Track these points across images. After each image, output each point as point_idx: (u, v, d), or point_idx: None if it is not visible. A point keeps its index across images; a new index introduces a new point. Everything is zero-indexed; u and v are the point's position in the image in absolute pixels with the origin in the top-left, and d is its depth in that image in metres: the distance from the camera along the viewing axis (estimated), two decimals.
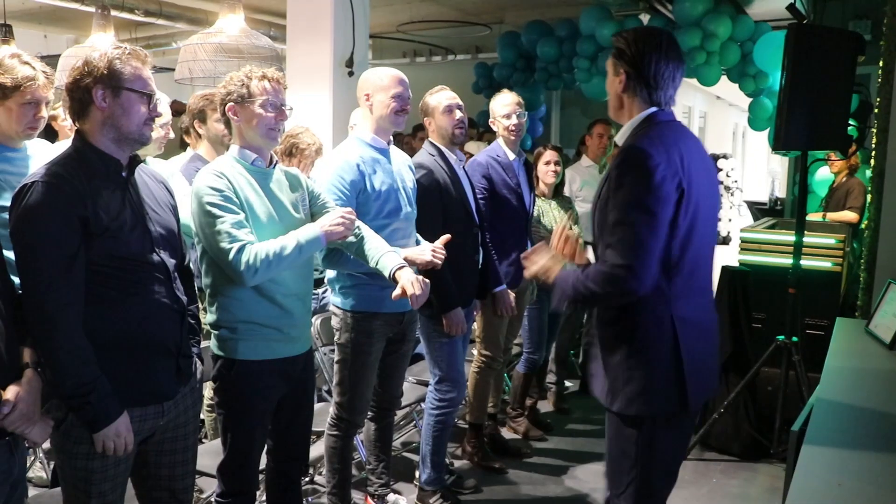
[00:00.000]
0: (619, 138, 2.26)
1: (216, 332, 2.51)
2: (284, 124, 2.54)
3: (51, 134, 4.83)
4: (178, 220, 2.31)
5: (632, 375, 2.15)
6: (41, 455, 3.30)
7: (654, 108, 2.20)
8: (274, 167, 2.55)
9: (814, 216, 5.88)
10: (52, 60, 4.85)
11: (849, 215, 5.80)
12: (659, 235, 2.06)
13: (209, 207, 2.32)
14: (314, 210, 2.64)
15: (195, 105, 3.48)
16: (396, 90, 3.00)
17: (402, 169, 3.12)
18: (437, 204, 3.26)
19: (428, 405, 3.49)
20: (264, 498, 2.78)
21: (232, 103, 2.46)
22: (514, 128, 3.81)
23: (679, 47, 2.26)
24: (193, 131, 3.53)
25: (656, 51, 2.17)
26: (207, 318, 2.54)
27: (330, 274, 3.13)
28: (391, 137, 3.13)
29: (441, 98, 3.39)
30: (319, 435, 3.27)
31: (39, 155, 2.87)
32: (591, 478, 4.00)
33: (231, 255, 2.27)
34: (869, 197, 4.45)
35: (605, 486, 2.35)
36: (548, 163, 4.35)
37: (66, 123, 3.91)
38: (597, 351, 2.28)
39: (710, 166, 2.30)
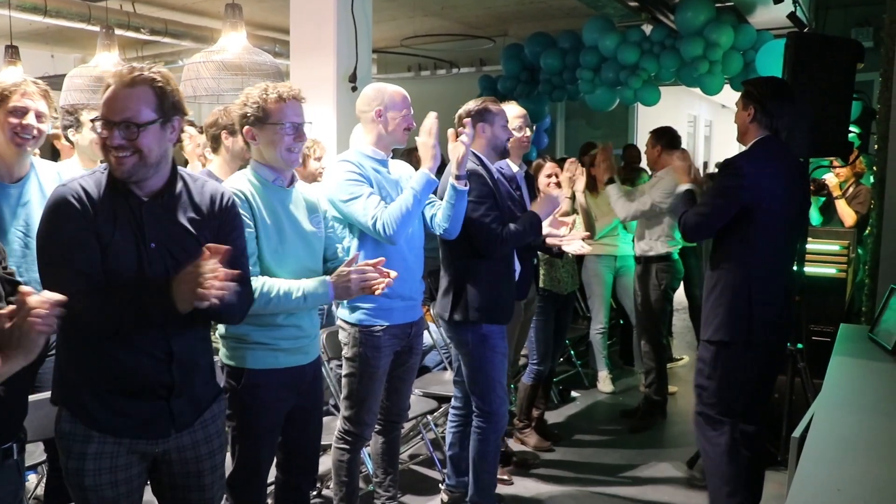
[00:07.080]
0: None
1: (225, 341, 2.53)
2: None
3: (55, 154, 4.91)
4: None
5: None
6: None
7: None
8: (293, 186, 2.59)
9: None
10: (59, 80, 4.93)
11: (850, 214, 5.35)
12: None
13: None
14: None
15: (228, 116, 3.35)
16: (407, 110, 3.05)
17: (404, 180, 3.14)
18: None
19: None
20: None
21: (248, 126, 2.47)
22: (525, 140, 3.82)
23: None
24: (213, 144, 3.49)
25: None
26: (219, 329, 2.56)
27: None
28: (391, 151, 3.16)
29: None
30: (327, 448, 3.29)
31: (44, 173, 2.94)
32: (599, 487, 4.00)
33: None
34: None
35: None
36: (549, 175, 4.35)
37: (66, 143, 3.95)
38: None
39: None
